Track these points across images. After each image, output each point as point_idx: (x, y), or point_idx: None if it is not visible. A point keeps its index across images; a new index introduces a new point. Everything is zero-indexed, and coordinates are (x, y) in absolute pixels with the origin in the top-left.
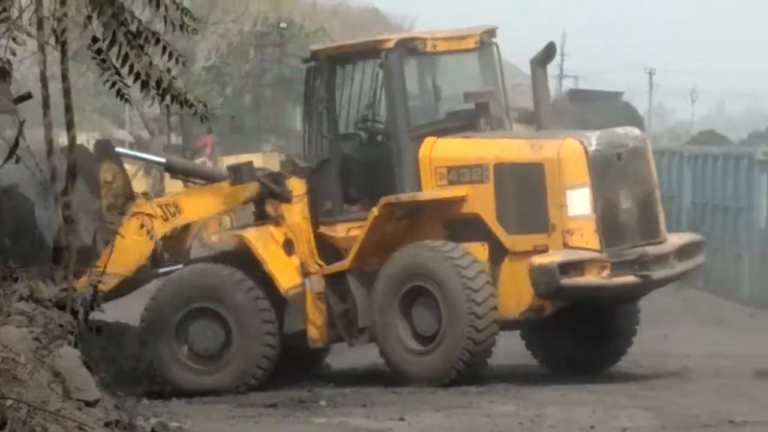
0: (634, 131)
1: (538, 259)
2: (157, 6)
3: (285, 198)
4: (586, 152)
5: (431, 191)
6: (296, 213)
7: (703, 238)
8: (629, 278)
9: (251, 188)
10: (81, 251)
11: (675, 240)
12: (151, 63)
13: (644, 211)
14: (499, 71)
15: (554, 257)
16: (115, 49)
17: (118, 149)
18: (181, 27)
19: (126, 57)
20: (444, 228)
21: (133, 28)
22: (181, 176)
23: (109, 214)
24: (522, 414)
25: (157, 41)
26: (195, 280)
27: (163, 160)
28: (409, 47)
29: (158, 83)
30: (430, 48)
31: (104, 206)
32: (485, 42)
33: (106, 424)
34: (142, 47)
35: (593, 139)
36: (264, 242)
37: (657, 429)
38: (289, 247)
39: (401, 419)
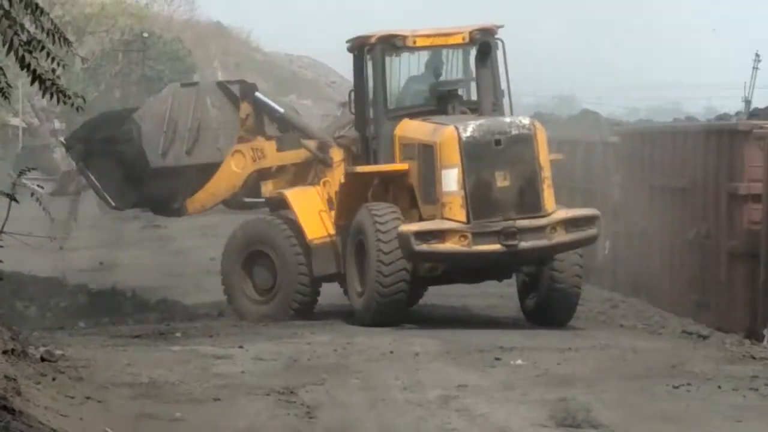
0: (523, 120)
1: (402, 227)
2: (41, 27)
3: (327, 164)
4: (459, 138)
5: (385, 165)
6: (336, 176)
7: (596, 213)
8: (493, 246)
9: (301, 153)
10: (206, 166)
11: (562, 214)
12: (38, 65)
13: (524, 189)
14: (489, 64)
15: (413, 227)
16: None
17: (258, 94)
18: (59, 40)
19: (23, 59)
20: (397, 195)
21: (24, 38)
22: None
23: (237, 145)
24: (336, 342)
25: (42, 48)
26: (252, 227)
27: (281, 110)
28: (390, 42)
29: (47, 81)
30: (410, 43)
31: (236, 137)
32: (476, 38)
33: (4, 352)
34: (31, 53)
35: (470, 127)
36: (301, 199)
37: (442, 352)
38: (330, 204)
39: (240, 347)
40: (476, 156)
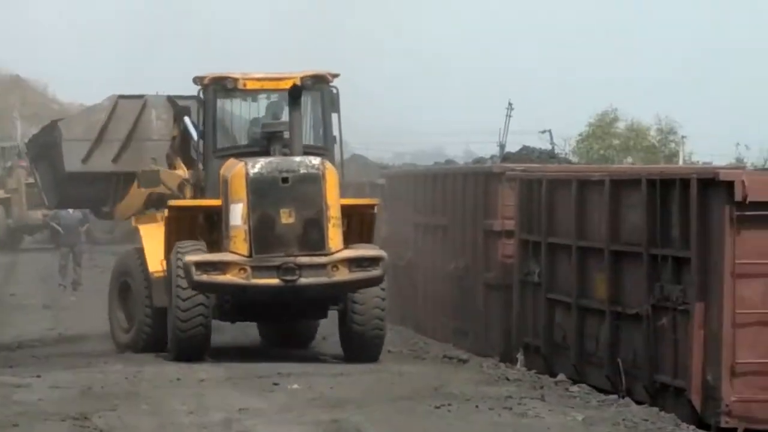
0: (313, 161)
1: (186, 257)
2: None
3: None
4: (247, 174)
5: (196, 200)
6: None
7: (381, 254)
8: (272, 281)
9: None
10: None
11: (345, 253)
12: None
13: (308, 226)
14: (319, 109)
15: (195, 257)
16: None
17: (186, 119)
18: None
19: None
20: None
21: None
22: None
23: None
24: (127, 370)
25: None
26: (123, 258)
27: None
28: (221, 84)
29: None
30: (240, 86)
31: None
32: (307, 85)
33: None
34: None
35: (258, 165)
36: (151, 232)
37: (225, 378)
38: None
39: (38, 376)
40: (262, 192)
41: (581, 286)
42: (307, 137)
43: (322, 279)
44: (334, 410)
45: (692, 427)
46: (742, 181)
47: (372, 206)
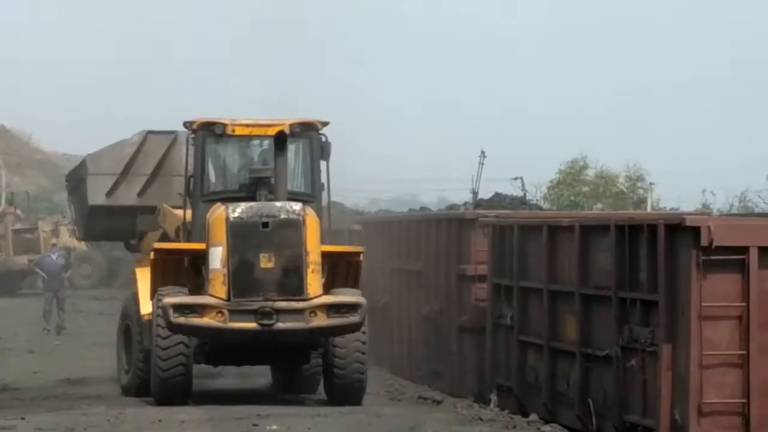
0: (294, 206)
1: (165, 299)
2: None
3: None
4: (227, 218)
5: (181, 243)
6: None
7: (360, 301)
8: (249, 324)
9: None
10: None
11: (324, 299)
12: None
13: (287, 271)
14: (308, 156)
15: (174, 299)
16: None
17: None
18: None
19: None
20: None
21: None
22: None
23: None
24: (109, 412)
25: None
26: (126, 302)
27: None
28: (210, 129)
29: None
30: (229, 131)
31: None
32: (295, 132)
33: None
34: None
35: (239, 209)
36: (145, 275)
37: (206, 420)
38: None
39: (22, 418)
40: (242, 236)
41: (552, 329)
42: (296, 184)
43: (300, 324)
44: None
45: None
46: (708, 227)
47: (358, 253)
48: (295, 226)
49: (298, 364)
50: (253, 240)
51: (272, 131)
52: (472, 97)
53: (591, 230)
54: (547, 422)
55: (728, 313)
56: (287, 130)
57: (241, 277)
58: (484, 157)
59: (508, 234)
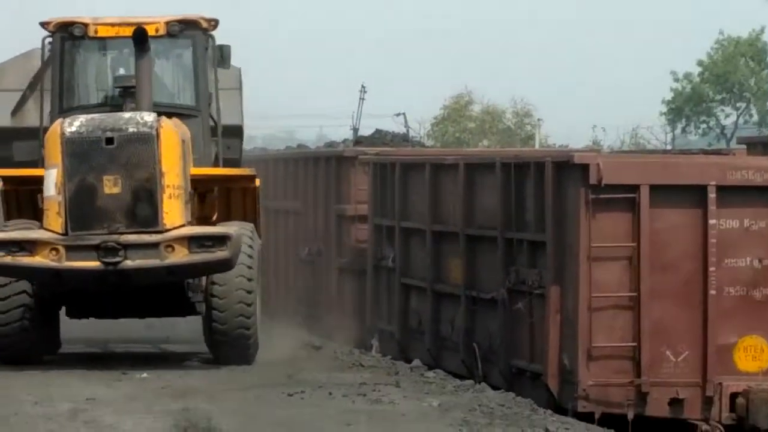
0: (145, 117)
1: None
2: None
3: None
4: (63, 134)
5: (26, 169)
6: None
7: (228, 233)
8: (90, 263)
9: None
10: None
11: (184, 231)
12: None
13: (138, 198)
14: (189, 60)
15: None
16: None
17: None
18: None
19: None
20: None
21: None
22: None
23: None
24: None
25: None
26: None
27: None
28: (69, 30)
29: None
30: (91, 32)
31: None
32: (173, 31)
33: None
34: None
35: (77, 122)
36: None
37: (71, 368)
38: None
39: None
40: (81, 156)
41: (436, 271)
42: (176, 95)
43: (153, 261)
44: (184, 399)
45: (549, 411)
46: (598, 164)
47: (252, 177)
48: (147, 141)
49: (182, 314)
50: (95, 160)
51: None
52: (351, 26)
53: (476, 169)
54: (430, 368)
55: (618, 253)
56: (162, 30)
57: (80, 206)
58: (365, 92)
59: (389, 172)
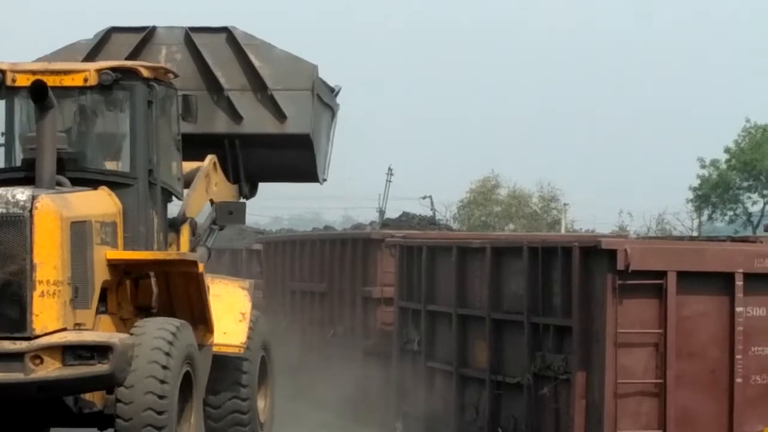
0: (18, 195)
1: None
2: None
3: None
4: None
5: None
6: None
7: (112, 343)
8: None
9: None
10: None
11: (57, 338)
12: None
13: (2, 296)
14: (127, 116)
15: None
16: None
17: None
18: None
19: None
20: None
21: None
22: None
23: None
24: None
25: None
26: None
27: None
28: None
29: None
30: (9, 82)
31: None
32: (107, 81)
33: None
34: None
35: None
36: None
37: None
38: None
39: None
40: None
41: (462, 355)
42: (103, 157)
43: (15, 376)
44: None
45: None
46: (625, 250)
47: (190, 263)
48: (16, 225)
49: (64, 425)
50: None
51: (70, 81)
52: (379, 110)
53: (503, 252)
54: None
55: (645, 339)
56: (93, 79)
57: None
58: (392, 174)
59: (416, 255)
